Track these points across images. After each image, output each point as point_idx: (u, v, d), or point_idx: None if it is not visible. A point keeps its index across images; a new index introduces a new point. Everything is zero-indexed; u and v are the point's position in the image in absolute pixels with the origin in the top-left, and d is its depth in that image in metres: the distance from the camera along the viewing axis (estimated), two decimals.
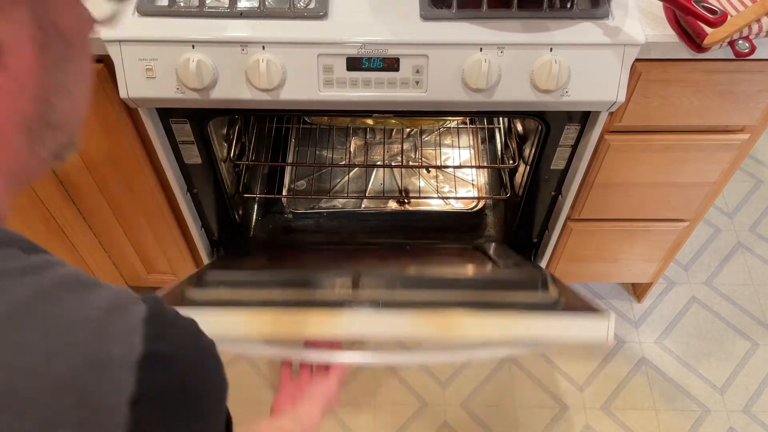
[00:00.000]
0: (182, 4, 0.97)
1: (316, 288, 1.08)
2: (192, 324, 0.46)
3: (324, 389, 0.87)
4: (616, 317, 1.70)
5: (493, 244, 1.44)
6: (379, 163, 1.56)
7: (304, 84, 0.98)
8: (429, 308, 0.84)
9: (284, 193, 1.53)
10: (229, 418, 0.53)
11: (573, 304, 0.92)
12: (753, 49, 0.93)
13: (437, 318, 0.82)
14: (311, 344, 0.86)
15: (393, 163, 1.55)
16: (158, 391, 0.41)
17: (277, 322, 0.81)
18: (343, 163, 1.57)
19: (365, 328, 0.83)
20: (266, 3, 0.96)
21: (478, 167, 1.55)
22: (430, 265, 1.33)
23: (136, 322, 0.41)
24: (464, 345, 0.81)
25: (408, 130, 1.59)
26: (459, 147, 1.59)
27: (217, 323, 0.80)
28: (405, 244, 1.50)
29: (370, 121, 1.48)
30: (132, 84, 0.97)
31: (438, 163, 1.57)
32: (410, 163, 1.55)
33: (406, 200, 1.50)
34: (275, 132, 1.56)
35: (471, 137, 1.59)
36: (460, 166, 1.55)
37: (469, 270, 1.30)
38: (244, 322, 0.81)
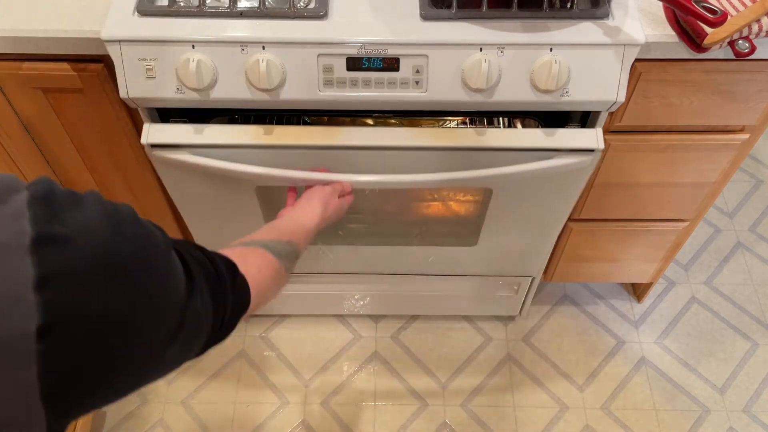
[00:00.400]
0: (182, 4, 0.97)
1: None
2: (95, 197, 0.45)
3: (320, 193, 1.00)
4: (616, 317, 1.70)
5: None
6: None
7: (304, 84, 0.98)
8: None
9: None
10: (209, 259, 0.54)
11: None
12: (753, 49, 0.93)
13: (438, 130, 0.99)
14: (312, 170, 1.01)
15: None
16: (66, 269, 0.40)
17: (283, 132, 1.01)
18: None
19: (366, 137, 1.02)
20: (266, 3, 0.96)
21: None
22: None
23: (20, 207, 0.40)
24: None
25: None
26: None
27: (221, 133, 0.99)
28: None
29: (370, 121, 1.48)
30: (132, 84, 0.97)
31: None
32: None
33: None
34: None
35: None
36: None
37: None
38: (252, 132, 1.00)
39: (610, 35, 0.94)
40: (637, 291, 1.74)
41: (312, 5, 0.97)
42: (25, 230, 0.39)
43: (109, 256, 0.42)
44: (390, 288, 1.57)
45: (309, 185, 1.04)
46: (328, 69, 0.96)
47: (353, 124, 1.47)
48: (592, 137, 1.07)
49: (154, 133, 1.04)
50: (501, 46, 0.95)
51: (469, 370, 1.64)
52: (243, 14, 0.96)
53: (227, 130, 1.05)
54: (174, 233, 1.39)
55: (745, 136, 1.13)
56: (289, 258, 0.81)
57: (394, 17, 0.96)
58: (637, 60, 0.97)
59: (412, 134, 1.06)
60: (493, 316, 1.72)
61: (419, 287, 1.55)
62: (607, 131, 1.13)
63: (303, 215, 0.95)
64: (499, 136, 1.07)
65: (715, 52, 0.96)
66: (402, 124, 1.46)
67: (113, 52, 0.95)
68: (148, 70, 0.96)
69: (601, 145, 1.05)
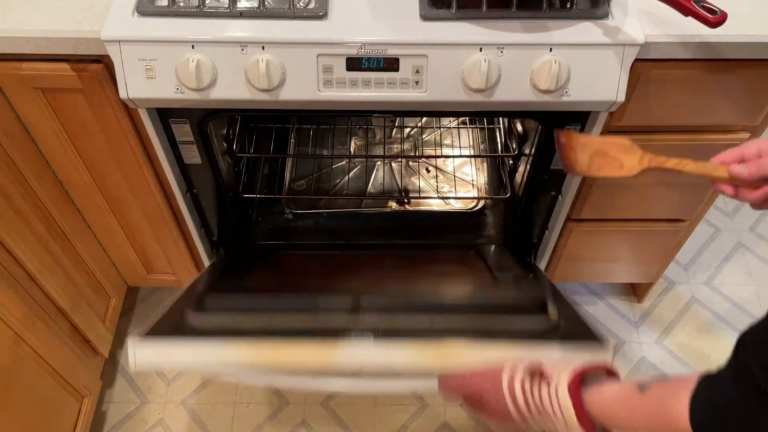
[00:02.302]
0: (182, 4, 0.97)
1: (316, 313, 1.08)
2: None
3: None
4: (616, 316, 1.70)
5: (493, 247, 1.44)
6: (378, 162, 1.56)
7: (304, 84, 0.98)
8: (427, 338, 0.82)
9: (284, 193, 1.52)
10: None
11: (573, 330, 0.90)
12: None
13: (435, 349, 0.80)
14: None
15: (393, 163, 1.55)
16: None
17: (276, 354, 0.82)
18: (344, 162, 1.57)
19: (364, 361, 0.82)
20: (266, 3, 0.96)
21: (479, 156, 1.55)
22: (429, 280, 1.31)
23: None
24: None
25: (408, 129, 1.59)
26: (459, 147, 1.59)
27: (219, 354, 0.83)
28: (404, 246, 1.49)
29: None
30: (132, 84, 0.97)
31: (438, 162, 1.57)
32: (410, 160, 1.55)
33: (406, 200, 1.50)
34: (275, 132, 1.56)
35: (471, 137, 1.59)
36: (459, 155, 1.54)
37: (468, 288, 1.29)
38: (246, 355, 0.82)
39: (610, 35, 0.94)
40: (637, 291, 1.74)
41: (312, 5, 0.97)
42: None
43: None
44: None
45: None
46: (327, 69, 0.96)
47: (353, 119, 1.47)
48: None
49: (141, 357, 0.87)
50: (501, 46, 0.95)
51: None
52: (243, 14, 0.96)
53: (214, 351, 0.86)
54: (174, 234, 1.39)
55: (745, 135, 1.13)
56: None
57: (394, 17, 0.96)
58: (637, 60, 0.97)
59: (414, 357, 0.85)
60: None
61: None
62: (607, 131, 1.13)
63: None
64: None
65: (716, 52, 0.96)
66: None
67: (113, 52, 0.95)
68: (147, 70, 0.96)
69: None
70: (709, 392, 0.58)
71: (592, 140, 0.87)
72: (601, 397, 0.70)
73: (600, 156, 0.85)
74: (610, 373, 0.74)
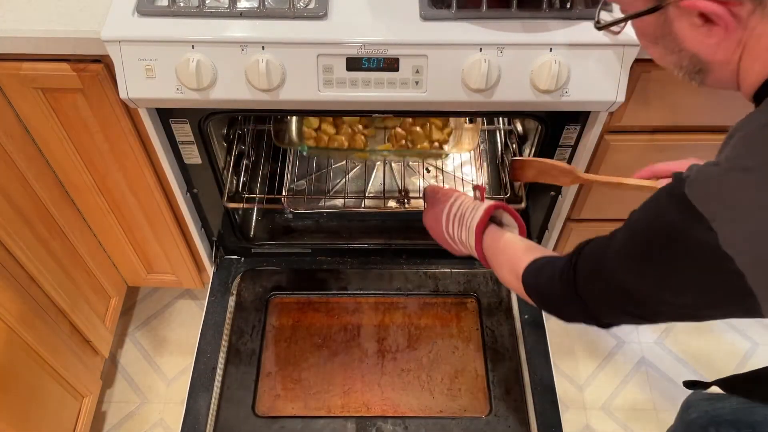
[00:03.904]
0: (182, 4, 0.97)
1: None
2: None
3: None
4: None
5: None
6: (379, 162, 1.56)
7: (304, 84, 0.98)
8: None
9: (284, 193, 1.52)
10: None
11: None
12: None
13: None
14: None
15: (393, 163, 1.55)
16: None
17: None
18: (343, 162, 1.57)
19: None
20: (266, 3, 0.96)
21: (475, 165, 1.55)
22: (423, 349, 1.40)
23: None
24: None
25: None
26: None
27: None
28: (404, 247, 1.49)
29: (362, 155, 1.49)
30: (132, 84, 0.97)
31: (437, 164, 1.57)
32: (411, 160, 1.54)
33: (406, 201, 1.50)
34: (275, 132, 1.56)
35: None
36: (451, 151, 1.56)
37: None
38: None
39: (610, 35, 0.94)
40: None
41: (312, 5, 0.97)
42: None
43: None
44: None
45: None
46: (327, 69, 0.97)
47: (349, 155, 1.49)
48: None
49: None
50: (501, 46, 0.95)
51: None
52: (243, 14, 0.96)
53: None
54: (174, 234, 1.39)
55: None
56: None
57: (394, 17, 0.96)
58: (637, 60, 0.97)
59: None
60: None
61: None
62: (607, 131, 1.13)
63: None
64: None
65: None
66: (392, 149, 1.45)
67: (113, 52, 0.95)
68: (147, 70, 0.96)
69: None
70: (539, 269, 0.81)
71: (540, 162, 1.10)
72: (495, 235, 0.93)
73: (543, 173, 1.09)
74: (510, 211, 0.97)
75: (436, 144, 1.44)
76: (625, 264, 0.66)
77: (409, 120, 1.47)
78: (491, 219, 0.97)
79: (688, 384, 1.05)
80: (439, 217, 1.04)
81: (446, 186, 1.13)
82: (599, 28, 0.78)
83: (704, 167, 0.59)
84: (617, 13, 0.73)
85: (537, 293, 0.82)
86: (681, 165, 0.96)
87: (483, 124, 1.58)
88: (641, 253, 0.63)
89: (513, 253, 0.88)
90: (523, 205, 1.35)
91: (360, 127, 1.48)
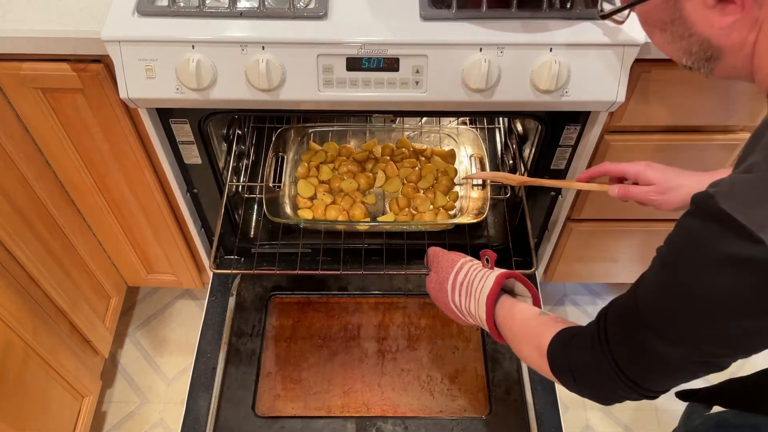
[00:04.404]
0: (182, 4, 0.97)
1: None
2: None
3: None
4: None
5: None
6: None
7: (304, 84, 0.98)
8: None
9: (284, 192, 1.52)
10: None
11: None
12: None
13: None
14: None
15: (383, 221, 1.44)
16: None
17: None
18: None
19: None
20: (266, 3, 0.96)
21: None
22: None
23: None
24: None
25: (408, 131, 1.59)
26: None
27: None
28: (402, 254, 1.49)
29: (362, 227, 1.38)
30: (132, 84, 0.97)
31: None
32: (401, 222, 1.41)
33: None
34: (275, 132, 1.56)
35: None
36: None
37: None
38: None
39: (610, 35, 0.94)
40: None
41: (312, 5, 0.97)
42: None
43: None
44: None
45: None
46: (327, 69, 0.96)
47: (346, 226, 1.43)
48: None
49: None
50: (501, 46, 0.95)
51: None
52: (243, 14, 0.96)
53: None
54: (174, 234, 1.39)
55: (745, 135, 1.13)
56: None
57: (394, 17, 0.96)
58: (637, 60, 0.97)
59: None
60: None
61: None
62: (607, 131, 1.13)
63: None
64: None
65: None
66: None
67: (113, 52, 0.95)
68: (147, 70, 0.96)
69: None
70: (567, 343, 0.72)
71: (489, 174, 1.25)
72: (509, 307, 0.86)
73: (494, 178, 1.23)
74: (523, 281, 0.91)
75: (442, 210, 1.34)
76: (661, 303, 0.59)
77: (411, 185, 1.40)
78: (502, 289, 0.89)
79: (683, 395, 0.96)
80: (444, 285, 0.97)
81: (450, 251, 1.03)
82: (603, 17, 0.73)
83: (736, 177, 0.54)
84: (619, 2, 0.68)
85: (568, 369, 0.72)
86: (633, 166, 0.93)
87: (483, 124, 1.58)
88: (679, 286, 0.57)
89: (533, 326, 0.79)
90: (521, 195, 1.35)
91: (358, 194, 1.39)
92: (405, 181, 1.39)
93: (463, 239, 1.40)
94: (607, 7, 0.73)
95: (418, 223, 1.29)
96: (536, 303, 0.88)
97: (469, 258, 0.99)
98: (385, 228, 1.31)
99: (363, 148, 1.50)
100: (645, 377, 0.65)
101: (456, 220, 1.28)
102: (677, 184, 0.91)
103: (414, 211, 1.36)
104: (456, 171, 1.40)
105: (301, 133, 1.55)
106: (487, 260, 0.94)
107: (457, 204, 1.41)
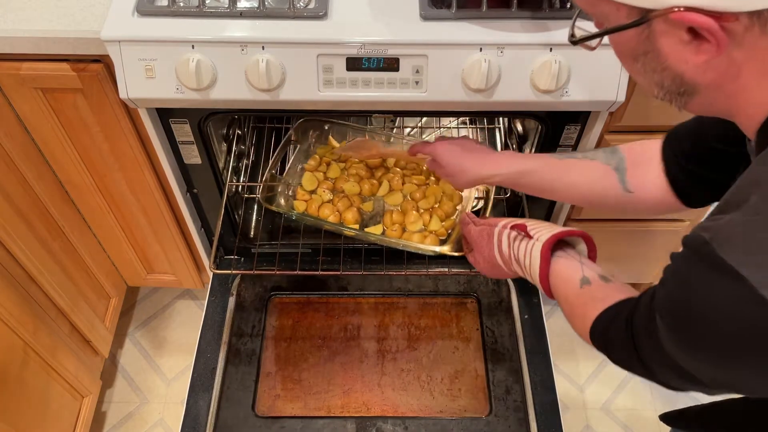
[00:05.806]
0: (182, 4, 0.97)
1: None
2: None
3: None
4: None
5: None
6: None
7: (304, 84, 0.98)
8: None
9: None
10: None
11: None
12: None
13: None
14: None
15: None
16: None
17: None
18: None
19: None
20: (266, 3, 0.96)
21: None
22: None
23: None
24: None
25: (408, 129, 1.59)
26: None
27: None
28: (402, 254, 1.48)
29: (348, 233, 1.35)
30: (132, 84, 0.97)
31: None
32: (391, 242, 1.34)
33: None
34: (275, 132, 1.56)
35: (471, 137, 1.59)
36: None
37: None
38: None
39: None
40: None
41: (312, 5, 0.97)
42: None
43: None
44: None
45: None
46: (327, 69, 0.96)
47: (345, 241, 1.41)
48: None
49: None
50: (501, 46, 0.95)
51: None
52: (243, 14, 0.96)
53: None
54: (174, 234, 1.39)
55: None
56: None
57: (394, 17, 0.96)
58: None
59: None
60: None
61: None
62: (607, 131, 1.13)
63: None
64: None
65: None
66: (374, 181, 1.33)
67: (113, 52, 0.95)
68: (147, 70, 0.96)
69: None
70: (610, 322, 0.73)
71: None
72: (558, 269, 0.85)
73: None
74: (587, 239, 0.91)
75: (432, 234, 1.28)
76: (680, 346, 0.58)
77: (412, 202, 1.34)
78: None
79: (666, 418, 0.91)
80: (489, 239, 0.94)
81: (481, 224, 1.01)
82: (574, 43, 0.69)
83: (731, 221, 0.52)
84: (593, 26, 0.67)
85: (610, 358, 0.74)
86: (432, 148, 1.04)
87: (483, 124, 1.58)
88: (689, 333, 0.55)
89: (578, 304, 0.80)
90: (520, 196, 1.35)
91: (358, 199, 1.34)
92: (408, 197, 1.38)
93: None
94: (579, 33, 0.70)
95: (401, 242, 1.27)
96: (592, 256, 0.91)
97: (502, 224, 0.94)
98: (370, 239, 1.30)
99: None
100: (676, 387, 0.67)
101: (439, 249, 1.25)
102: (462, 169, 1.00)
103: (405, 229, 1.32)
104: (461, 198, 1.39)
105: (320, 127, 1.49)
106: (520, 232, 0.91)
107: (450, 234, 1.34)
